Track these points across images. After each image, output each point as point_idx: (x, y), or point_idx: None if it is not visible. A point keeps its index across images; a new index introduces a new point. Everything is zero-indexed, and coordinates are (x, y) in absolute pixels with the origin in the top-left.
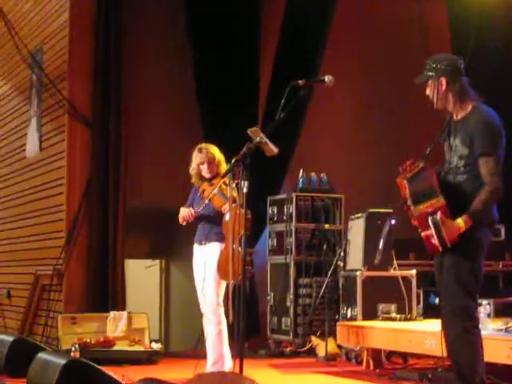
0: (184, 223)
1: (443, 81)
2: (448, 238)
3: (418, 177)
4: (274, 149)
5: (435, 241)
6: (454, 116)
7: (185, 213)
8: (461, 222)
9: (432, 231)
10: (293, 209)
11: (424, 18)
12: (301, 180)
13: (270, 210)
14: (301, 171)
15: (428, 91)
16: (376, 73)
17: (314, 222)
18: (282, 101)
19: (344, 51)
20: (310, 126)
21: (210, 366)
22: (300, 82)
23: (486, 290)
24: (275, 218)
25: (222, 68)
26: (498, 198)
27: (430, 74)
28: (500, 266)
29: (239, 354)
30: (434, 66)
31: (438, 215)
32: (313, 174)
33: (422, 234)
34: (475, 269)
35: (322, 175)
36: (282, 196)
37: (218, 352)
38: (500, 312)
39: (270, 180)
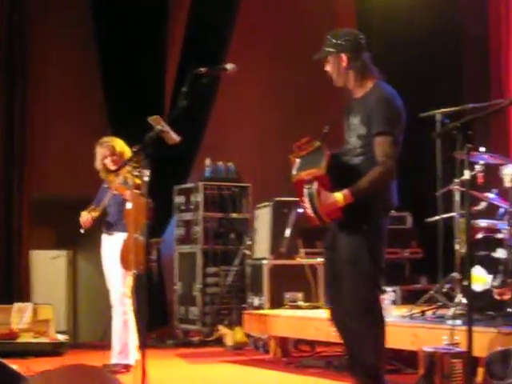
0: (83, 230)
1: (344, 57)
2: (322, 210)
3: (311, 155)
4: (175, 137)
5: (310, 212)
6: (354, 94)
7: (83, 218)
8: (339, 195)
9: (305, 201)
10: (200, 198)
11: (332, 7)
12: (208, 169)
13: (177, 199)
14: (208, 160)
15: (328, 68)
16: (285, 61)
17: (222, 210)
18: (183, 89)
19: (252, 40)
20: (218, 114)
21: (114, 356)
22: (202, 70)
23: (393, 278)
24: (182, 207)
25: (128, 58)
26: (388, 181)
27: (330, 49)
28: (406, 253)
29: (142, 343)
30: (335, 41)
31: (315, 185)
32: (220, 163)
33: (301, 203)
34: (375, 256)
35: (229, 164)
36: (189, 185)
37: (123, 342)
38: (406, 299)
39: (178, 169)
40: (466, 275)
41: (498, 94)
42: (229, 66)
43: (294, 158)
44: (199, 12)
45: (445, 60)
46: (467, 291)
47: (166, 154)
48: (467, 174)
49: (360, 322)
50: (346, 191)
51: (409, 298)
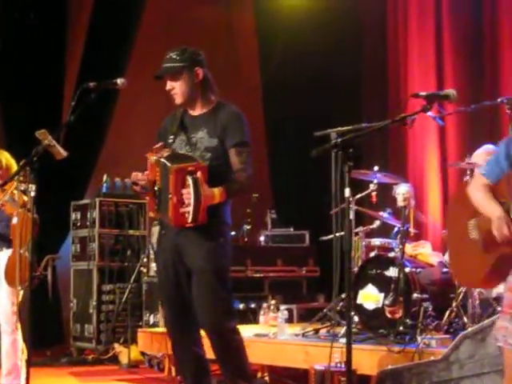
0: None
1: (199, 71)
2: (205, 201)
3: (173, 156)
4: (62, 152)
5: (190, 203)
6: (191, 111)
7: None
8: (217, 191)
9: (190, 190)
10: (96, 214)
11: (231, 22)
12: (104, 185)
13: (73, 216)
14: (105, 176)
15: (174, 84)
16: None
17: (118, 227)
18: (72, 103)
19: (151, 54)
20: (116, 130)
21: (3, 376)
22: (91, 84)
23: (290, 296)
24: (79, 224)
25: (26, 71)
26: (250, 187)
27: (184, 64)
28: (303, 271)
29: (27, 362)
30: (185, 56)
31: (199, 174)
32: (117, 179)
33: (174, 198)
34: (229, 267)
35: (126, 180)
36: (86, 201)
37: (12, 362)
38: (303, 317)
39: (75, 185)
40: (346, 294)
41: (395, 113)
42: (119, 81)
43: (155, 157)
44: (99, 26)
45: (345, 80)
46: (348, 310)
47: (63, 170)
48: (347, 192)
49: (227, 321)
50: (220, 188)
51: (306, 317)
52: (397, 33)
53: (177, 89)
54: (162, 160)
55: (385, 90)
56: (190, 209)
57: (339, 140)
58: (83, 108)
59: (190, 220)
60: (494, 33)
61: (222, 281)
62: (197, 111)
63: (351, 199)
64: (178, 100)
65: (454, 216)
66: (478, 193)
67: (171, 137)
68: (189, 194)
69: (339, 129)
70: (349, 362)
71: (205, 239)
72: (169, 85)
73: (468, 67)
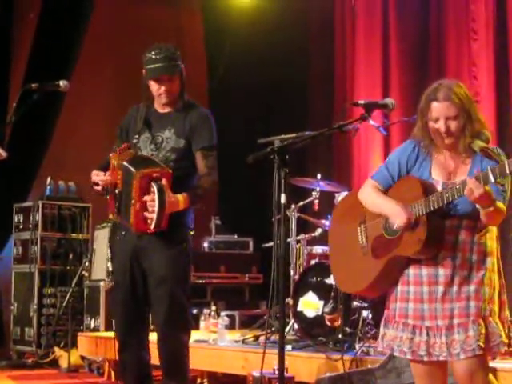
0: None
1: (183, 72)
2: (169, 208)
3: (137, 160)
4: (2, 153)
5: (154, 210)
6: (158, 107)
7: None
8: (181, 197)
9: (155, 197)
10: (39, 217)
11: (180, 29)
12: (48, 188)
13: (16, 218)
14: (48, 179)
15: (169, 84)
16: (131, 79)
17: (61, 230)
18: (14, 104)
19: (98, 56)
20: (60, 132)
21: None
22: (33, 85)
23: (232, 302)
24: (21, 226)
25: None
26: (214, 192)
27: (179, 63)
28: (246, 278)
29: None
30: (178, 54)
31: (164, 181)
32: (61, 182)
33: (137, 204)
34: (190, 273)
35: (70, 183)
36: (29, 203)
37: None
38: (245, 324)
39: (18, 187)
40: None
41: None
42: (61, 83)
43: (117, 161)
44: (46, 27)
45: (292, 86)
46: (282, 317)
47: (6, 171)
48: (283, 198)
49: (184, 335)
50: (184, 195)
51: (248, 323)
52: (344, 41)
53: (172, 88)
54: (125, 164)
55: (331, 98)
56: (154, 216)
57: (275, 147)
58: (25, 109)
59: (152, 227)
60: (440, 45)
61: (182, 290)
62: (165, 108)
63: (293, 206)
64: (168, 99)
65: (340, 221)
66: (371, 194)
67: (136, 136)
68: (153, 201)
69: (283, 136)
70: (281, 369)
71: (167, 245)
72: (166, 85)
73: (414, 78)
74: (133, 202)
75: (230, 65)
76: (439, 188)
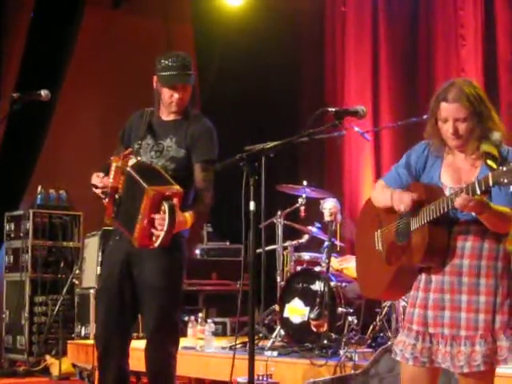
0: None
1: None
2: (178, 227)
3: (147, 170)
4: None
5: (162, 229)
6: (162, 114)
7: None
8: (189, 216)
9: (165, 216)
10: (30, 225)
11: (171, 37)
12: (39, 196)
13: (7, 227)
14: (39, 187)
15: (182, 93)
16: (120, 88)
17: (52, 239)
18: None
19: (87, 67)
20: (51, 141)
21: None
22: (15, 95)
23: (224, 309)
24: (12, 235)
25: None
26: (208, 211)
27: (192, 72)
28: (238, 285)
29: None
30: (191, 62)
31: (175, 201)
32: (52, 191)
33: (145, 221)
34: (183, 281)
35: (61, 192)
36: (20, 212)
37: None
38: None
39: (9, 195)
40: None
41: (330, 128)
42: (43, 93)
43: (121, 165)
44: (36, 37)
45: (282, 93)
46: (252, 324)
47: None
48: (252, 206)
49: (171, 346)
50: (191, 213)
51: (239, 330)
52: (334, 47)
53: (184, 96)
54: (130, 171)
55: (322, 104)
56: (162, 234)
57: (244, 154)
58: (4, 118)
59: (156, 244)
60: (429, 51)
61: (172, 300)
62: (170, 116)
63: (280, 213)
64: (179, 107)
65: (362, 228)
66: (379, 192)
67: (138, 142)
68: (163, 220)
69: (269, 143)
70: (251, 374)
71: (160, 253)
72: (180, 93)
73: (403, 83)
74: (140, 217)
75: (221, 74)
76: (447, 193)
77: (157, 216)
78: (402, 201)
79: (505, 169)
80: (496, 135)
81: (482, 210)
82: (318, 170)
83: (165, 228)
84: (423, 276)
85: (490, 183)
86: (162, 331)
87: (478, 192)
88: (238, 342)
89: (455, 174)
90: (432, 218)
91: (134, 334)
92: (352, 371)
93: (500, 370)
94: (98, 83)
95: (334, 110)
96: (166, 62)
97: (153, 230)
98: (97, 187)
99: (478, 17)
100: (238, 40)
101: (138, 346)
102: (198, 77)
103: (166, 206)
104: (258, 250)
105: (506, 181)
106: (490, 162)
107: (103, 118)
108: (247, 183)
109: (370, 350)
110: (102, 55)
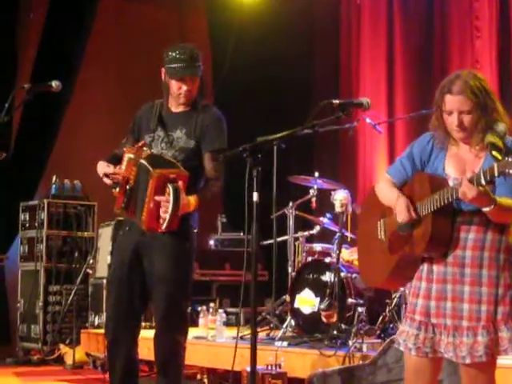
0: None
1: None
2: (182, 209)
3: (154, 159)
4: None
5: (167, 211)
6: (172, 106)
7: None
8: (193, 199)
9: (170, 198)
10: (44, 215)
11: (185, 27)
12: (53, 186)
13: (22, 217)
14: (54, 177)
15: (190, 85)
16: (134, 80)
17: (66, 229)
18: (6, 104)
19: (101, 57)
20: (66, 131)
21: None
22: (25, 86)
23: (238, 300)
24: (27, 225)
25: None
26: (215, 198)
27: (201, 63)
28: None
29: None
30: (200, 54)
31: (180, 183)
32: (66, 181)
33: (151, 203)
34: (193, 272)
35: (75, 182)
36: (35, 202)
37: None
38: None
39: (25, 186)
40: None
41: (345, 121)
42: (54, 84)
43: (134, 156)
44: (52, 27)
45: (297, 84)
46: (254, 314)
47: (12, 171)
48: (255, 197)
49: (180, 335)
50: (195, 197)
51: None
52: (350, 39)
53: (193, 88)
54: (144, 162)
55: (336, 96)
56: (167, 216)
57: (247, 146)
58: (13, 110)
59: (163, 227)
60: (444, 42)
61: (181, 290)
62: (179, 108)
63: (291, 204)
64: (187, 99)
65: (365, 217)
66: (383, 188)
67: (151, 134)
68: (168, 201)
69: (281, 134)
70: (253, 363)
71: (169, 243)
72: (188, 85)
73: (418, 75)
74: (147, 200)
75: (235, 64)
76: (451, 183)
77: (162, 197)
78: (401, 213)
79: (510, 159)
80: (501, 126)
81: (486, 202)
82: (332, 161)
83: (169, 210)
84: (425, 266)
85: (496, 173)
86: (171, 320)
87: (483, 182)
88: (247, 333)
89: (459, 164)
90: (436, 207)
91: (147, 324)
92: (360, 362)
93: (501, 360)
94: (111, 74)
95: (338, 101)
96: (174, 54)
97: (160, 213)
98: (107, 176)
99: (492, 9)
100: (252, 31)
101: (149, 335)
102: (211, 68)
103: (170, 188)
104: (270, 241)
105: (511, 171)
106: (494, 153)
107: (117, 108)
108: (250, 174)
109: (379, 340)
110: (115, 46)
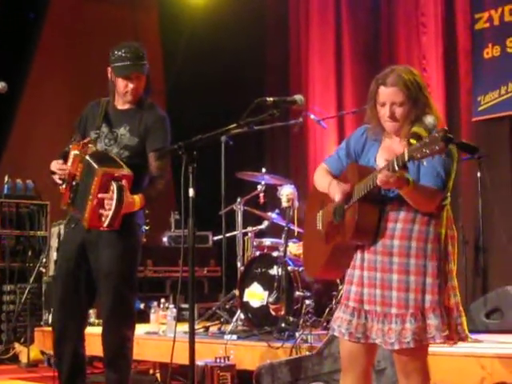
0: None
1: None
2: (126, 208)
3: (100, 156)
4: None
5: (110, 208)
6: (117, 103)
7: None
8: (137, 198)
9: (113, 196)
10: None
11: (137, 24)
12: (6, 186)
13: None
14: (6, 177)
15: (136, 84)
16: (87, 78)
17: (19, 228)
18: None
19: (54, 56)
20: (19, 130)
21: None
22: None
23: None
24: None
25: None
26: (163, 193)
27: (146, 62)
28: (205, 271)
29: None
30: (145, 53)
31: (124, 182)
32: (18, 180)
33: (94, 201)
34: (137, 267)
35: (27, 181)
36: None
37: None
38: (204, 316)
39: None
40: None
41: (296, 116)
42: (0, 85)
43: (79, 153)
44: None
45: (248, 81)
46: (192, 308)
47: None
48: (191, 192)
49: (127, 329)
50: (141, 195)
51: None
52: (299, 33)
53: (139, 86)
54: (88, 159)
55: (287, 91)
56: (110, 213)
57: (182, 143)
58: None
59: (105, 224)
60: (391, 38)
61: (127, 285)
62: (125, 105)
63: (239, 200)
64: (133, 97)
65: (309, 209)
66: (319, 176)
67: (96, 131)
68: (111, 199)
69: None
70: (192, 357)
71: (115, 240)
72: (134, 83)
73: (366, 70)
74: (91, 197)
75: (187, 60)
76: None
77: (106, 195)
78: (336, 191)
79: (418, 144)
80: (430, 119)
81: (402, 185)
82: (283, 158)
83: (112, 207)
84: (358, 254)
85: (406, 158)
86: (118, 315)
87: (397, 168)
88: (199, 327)
89: (389, 155)
90: (361, 195)
91: (100, 321)
92: (307, 353)
93: (435, 348)
94: (65, 72)
95: (272, 99)
96: (120, 52)
97: (101, 211)
98: (55, 173)
99: (438, 4)
100: (203, 27)
101: (90, 331)
102: (163, 64)
103: (114, 186)
104: (219, 237)
105: (419, 155)
106: (411, 141)
107: (71, 107)
108: (186, 171)
109: (326, 332)
110: (69, 44)
